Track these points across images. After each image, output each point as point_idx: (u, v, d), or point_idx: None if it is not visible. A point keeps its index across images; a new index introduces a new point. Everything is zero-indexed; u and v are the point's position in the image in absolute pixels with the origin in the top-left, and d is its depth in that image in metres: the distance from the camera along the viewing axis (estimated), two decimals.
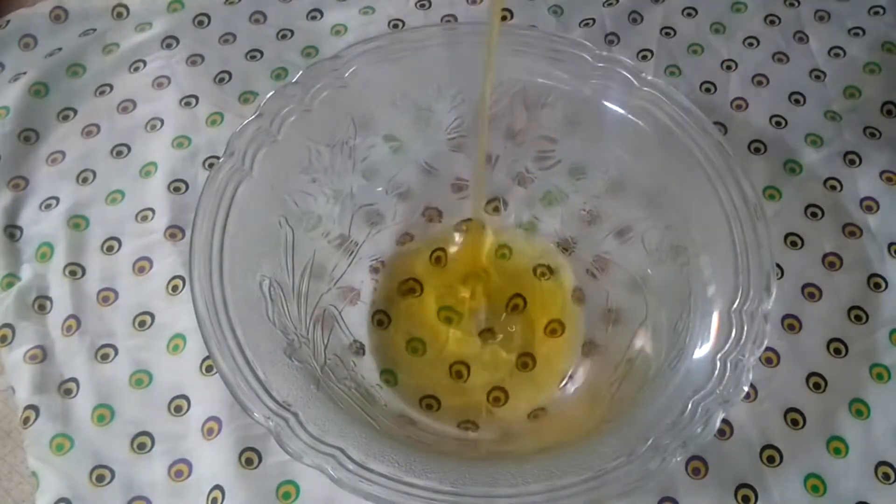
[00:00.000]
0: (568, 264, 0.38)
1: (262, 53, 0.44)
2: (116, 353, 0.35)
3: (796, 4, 0.47)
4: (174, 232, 0.38)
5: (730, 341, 0.29)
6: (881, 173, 0.41)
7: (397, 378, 0.35)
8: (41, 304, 0.36)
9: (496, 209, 0.39)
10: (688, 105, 0.33)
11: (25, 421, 0.33)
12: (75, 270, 0.37)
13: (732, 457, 0.33)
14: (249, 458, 0.32)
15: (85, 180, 0.40)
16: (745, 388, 0.28)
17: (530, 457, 0.29)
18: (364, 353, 0.36)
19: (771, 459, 0.33)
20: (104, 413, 0.34)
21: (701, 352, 0.29)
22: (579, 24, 0.46)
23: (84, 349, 0.35)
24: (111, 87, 0.43)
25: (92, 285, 0.37)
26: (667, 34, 0.46)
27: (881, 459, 0.33)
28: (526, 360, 0.36)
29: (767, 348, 0.35)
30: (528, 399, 0.35)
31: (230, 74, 0.44)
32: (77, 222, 0.39)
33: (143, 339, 0.36)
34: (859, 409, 0.34)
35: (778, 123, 0.42)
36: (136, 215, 0.39)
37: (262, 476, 0.32)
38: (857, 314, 0.37)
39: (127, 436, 0.33)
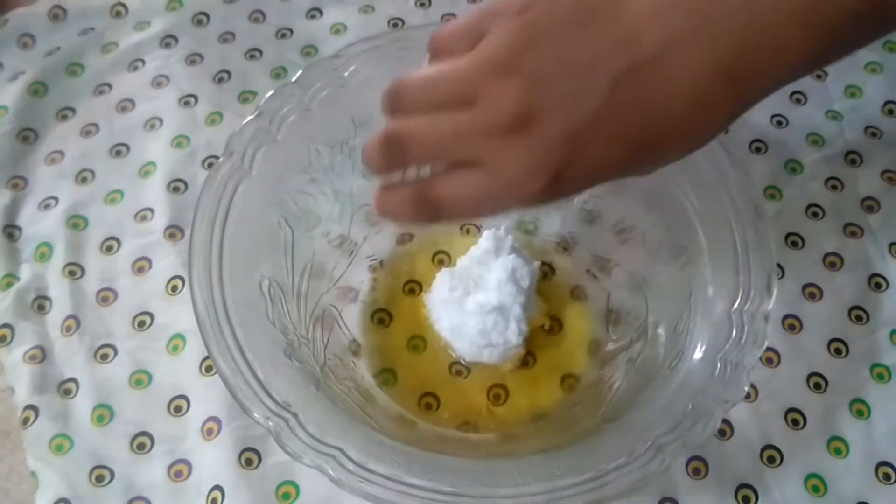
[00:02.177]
0: (568, 263, 0.38)
1: (261, 52, 0.44)
2: (116, 354, 0.35)
3: None
4: (173, 232, 0.38)
5: (730, 341, 0.29)
6: (882, 173, 0.41)
7: (396, 377, 0.35)
8: (40, 304, 0.36)
9: None
10: None
11: (25, 421, 0.33)
12: (74, 270, 0.37)
13: (733, 457, 0.33)
14: (249, 458, 0.32)
15: (84, 180, 0.40)
16: (746, 389, 0.28)
17: (530, 457, 0.29)
18: (362, 354, 0.36)
19: (771, 459, 0.33)
20: (104, 413, 0.34)
21: (701, 352, 0.29)
22: None
23: (83, 349, 0.35)
24: (110, 86, 0.43)
25: (91, 285, 0.37)
26: None
27: (882, 459, 0.33)
28: (526, 359, 0.36)
29: (768, 348, 0.35)
30: (528, 397, 0.35)
31: (229, 74, 0.43)
32: (76, 222, 0.39)
33: (143, 339, 0.35)
34: (860, 409, 0.34)
35: (779, 123, 0.42)
36: (136, 215, 0.39)
37: (261, 476, 0.32)
38: (858, 314, 0.37)
39: (126, 436, 0.33)
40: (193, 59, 0.44)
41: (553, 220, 0.38)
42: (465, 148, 0.23)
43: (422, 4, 0.46)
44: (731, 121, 0.24)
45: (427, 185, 0.25)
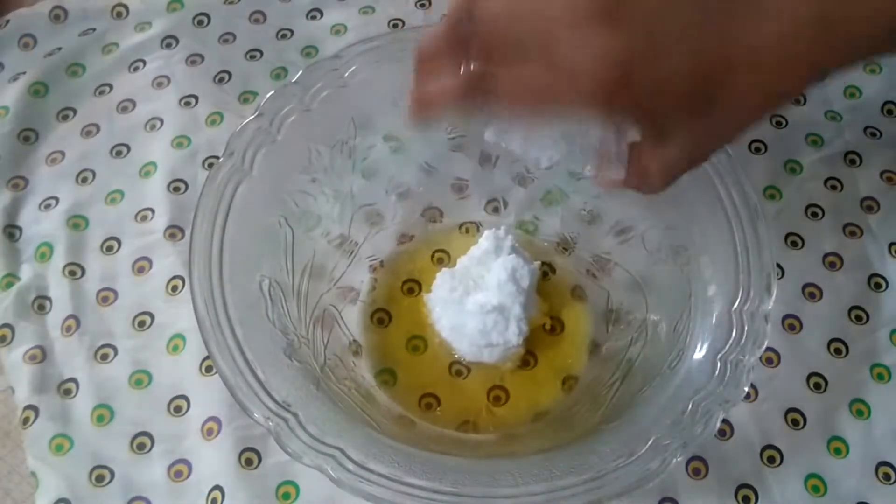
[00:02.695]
0: (568, 263, 0.38)
1: (261, 53, 0.44)
2: (116, 354, 0.35)
3: None
4: (174, 232, 0.38)
5: (730, 341, 0.29)
6: (882, 173, 0.41)
7: (396, 377, 0.35)
8: (41, 304, 0.36)
9: (496, 209, 0.39)
10: None
11: (25, 421, 0.33)
12: (75, 270, 0.37)
13: (733, 457, 0.33)
14: (249, 458, 0.32)
15: (84, 180, 0.40)
16: (746, 389, 0.28)
17: (530, 457, 0.29)
18: (362, 354, 0.36)
19: (771, 459, 0.33)
20: (104, 413, 0.34)
21: (701, 352, 0.29)
22: None
23: (83, 349, 0.35)
24: (111, 86, 0.43)
25: (91, 285, 0.37)
26: None
27: (882, 459, 0.33)
28: (527, 359, 0.36)
29: (768, 348, 0.35)
30: (528, 398, 0.35)
31: (230, 74, 0.43)
32: (76, 222, 0.39)
33: (143, 339, 0.36)
34: (860, 409, 0.34)
35: (778, 123, 0.42)
36: (136, 215, 0.39)
37: (261, 476, 0.32)
38: (858, 314, 0.37)
39: (126, 436, 0.33)
40: (194, 59, 0.44)
41: (553, 220, 0.39)
42: (540, 29, 0.22)
43: (422, 5, 0.46)
44: (806, 85, 0.23)
45: (480, 69, 0.23)
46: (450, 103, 0.24)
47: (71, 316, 0.36)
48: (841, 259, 0.38)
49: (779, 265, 0.37)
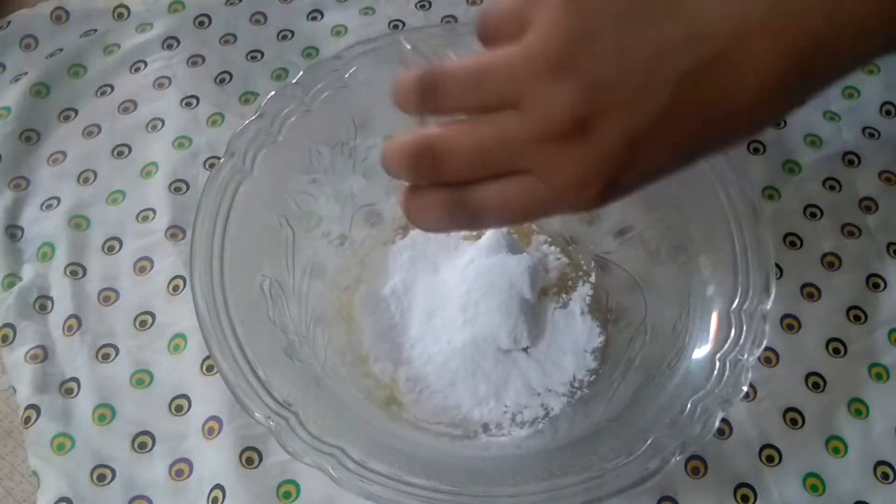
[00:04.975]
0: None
1: (262, 54, 0.45)
2: (117, 353, 0.35)
3: None
4: (175, 232, 0.38)
5: (729, 341, 0.29)
6: (880, 173, 0.41)
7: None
8: (42, 303, 0.36)
9: None
10: None
11: (26, 420, 0.33)
12: (76, 270, 0.37)
13: (732, 456, 0.33)
14: (250, 457, 0.32)
15: (86, 180, 0.40)
16: (745, 388, 0.28)
17: (530, 456, 0.29)
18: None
19: (770, 459, 0.33)
20: (105, 413, 0.34)
21: (700, 351, 0.29)
22: None
23: (85, 349, 0.35)
24: (112, 87, 0.43)
25: (93, 285, 0.37)
26: None
27: (880, 459, 0.33)
28: None
29: (766, 348, 0.35)
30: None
31: (231, 75, 0.44)
32: (78, 222, 0.39)
33: (144, 338, 0.36)
34: (858, 408, 0.34)
35: (777, 124, 0.42)
36: (137, 215, 0.39)
37: (262, 475, 0.32)
38: (856, 314, 0.37)
39: (128, 435, 0.33)
40: (195, 60, 0.44)
41: (553, 221, 0.39)
42: (512, 157, 0.21)
43: (422, 6, 0.47)
44: (794, 110, 0.22)
45: (465, 189, 0.22)
46: (438, 224, 0.24)
47: (72, 316, 0.36)
48: (839, 259, 0.38)
49: (777, 265, 0.37)
